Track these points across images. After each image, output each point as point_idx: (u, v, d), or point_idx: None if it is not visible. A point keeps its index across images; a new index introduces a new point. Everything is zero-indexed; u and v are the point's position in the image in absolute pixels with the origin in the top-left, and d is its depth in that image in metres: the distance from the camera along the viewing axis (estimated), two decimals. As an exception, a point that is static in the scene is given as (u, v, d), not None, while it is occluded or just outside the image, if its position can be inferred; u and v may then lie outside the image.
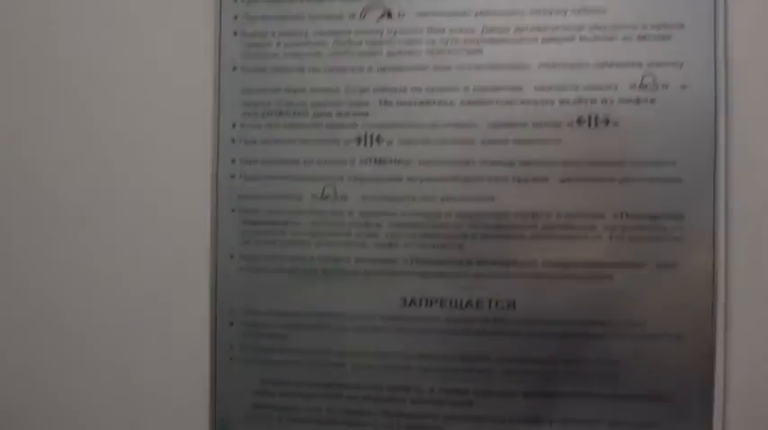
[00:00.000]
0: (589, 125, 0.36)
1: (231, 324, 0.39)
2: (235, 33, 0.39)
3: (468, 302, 0.38)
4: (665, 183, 0.36)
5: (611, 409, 0.37)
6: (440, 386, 0.38)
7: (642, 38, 0.36)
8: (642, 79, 0.36)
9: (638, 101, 0.36)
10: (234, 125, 0.39)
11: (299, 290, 0.39)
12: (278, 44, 0.38)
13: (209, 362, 0.39)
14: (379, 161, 0.38)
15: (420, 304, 0.38)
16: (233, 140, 0.39)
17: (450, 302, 0.38)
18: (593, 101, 0.36)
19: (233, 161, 0.39)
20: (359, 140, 0.38)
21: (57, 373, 0.41)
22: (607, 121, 0.36)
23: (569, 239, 0.37)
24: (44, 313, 0.41)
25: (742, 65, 0.36)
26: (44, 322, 0.41)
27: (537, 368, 0.37)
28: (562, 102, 0.36)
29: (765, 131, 0.36)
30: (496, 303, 0.37)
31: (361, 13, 0.38)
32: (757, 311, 0.36)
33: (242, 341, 0.39)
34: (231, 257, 0.39)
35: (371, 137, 0.38)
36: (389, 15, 0.37)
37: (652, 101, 0.36)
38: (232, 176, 0.39)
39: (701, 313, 0.36)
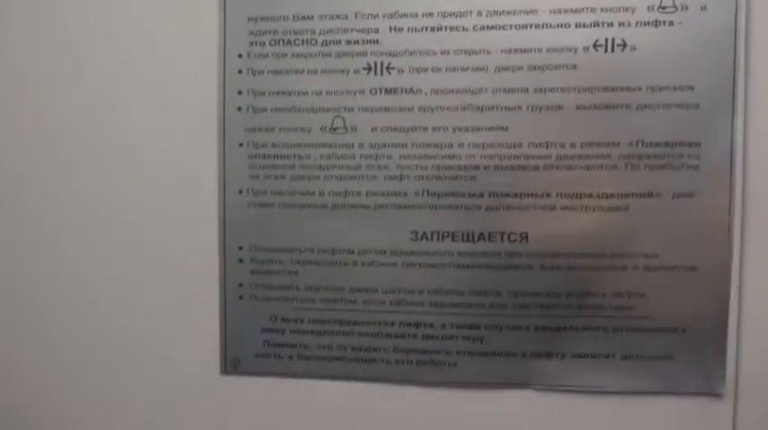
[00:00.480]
0: (605, 49, 0.35)
1: (240, 261, 0.39)
2: (240, -41, 0.38)
3: (481, 235, 0.37)
4: (682, 108, 0.35)
5: (624, 342, 0.36)
6: (451, 321, 0.38)
7: (661, -43, 0.35)
8: (661, 0, 0.35)
9: (656, 23, 0.35)
10: (240, 55, 0.38)
11: (309, 225, 0.38)
12: (284, -31, 0.38)
13: (219, 300, 0.39)
14: (390, 90, 0.37)
15: (431, 238, 0.37)
16: (239, 71, 0.38)
17: (462, 235, 0.37)
18: (610, 24, 0.35)
19: (239, 93, 0.38)
20: (369, 69, 0.37)
21: (65, 319, 0.41)
22: (624, 45, 0.35)
23: (584, 169, 0.36)
24: (49, 263, 0.41)
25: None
26: (49, 272, 0.41)
27: (549, 301, 0.37)
28: (578, 25, 0.35)
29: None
30: (509, 236, 0.37)
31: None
32: None
33: (251, 278, 0.39)
34: (240, 193, 0.39)
35: (382, 65, 0.37)
36: (400, -64, 0.36)
37: (671, 23, 0.35)
38: (239, 109, 0.38)
39: (717, 244, 0.35)
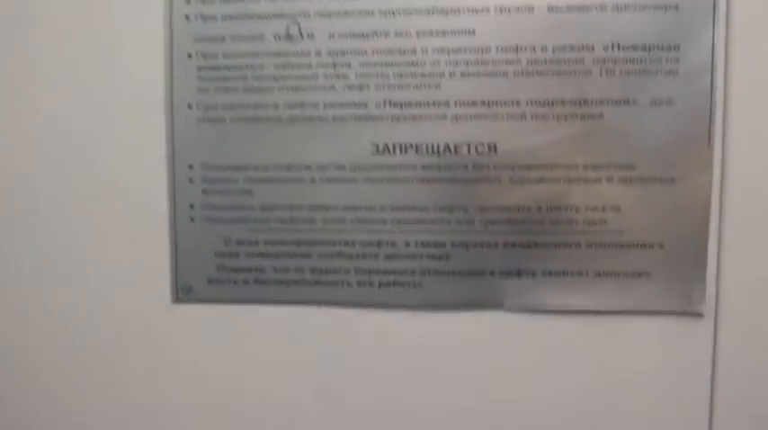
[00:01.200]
0: (578, -56, 0.33)
1: (191, 181, 0.36)
2: None
3: (446, 147, 0.35)
4: (660, 10, 0.33)
5: (598, 259, 0.34)
6: (415, 239, 0.35)
7: None
8: None
9: None
10: (187, -43, 0.36)
11: (264, 140, 0.35)
12: None
13: (169, 223, 0.36)
14: (348, -8, 0.35)
15: (394, 151, 0.35)
16: (186, -25, 0.36)
17: (427, 148, 0.35)
18: None
19: (187, 0, 0.36)
20: (325, -31, 0.35)
21: (7, 247, 0.38)
22: (598, -61, 0.33)
23: (556, 75, 0.33)
24: None
25: None
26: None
27: (519, 216, 0.34)
28: None
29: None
30: (476, 147, 0.34)
31: None
32: (757, 150, 0.34)
33: (203, 199, 0.36)
34: (189, 107, 0.36)
35: (339, -36, 0.35)
36: None
37: None
38: (187, 17, 0.35)
39: (697, 153, 0.33)
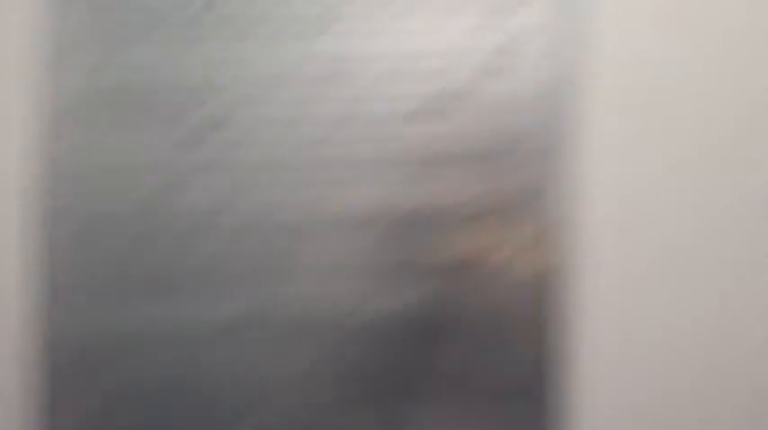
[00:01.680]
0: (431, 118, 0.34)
1: (56, 351, 0.35)
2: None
3: (311, 310, 0.35)
4: (524, 155, 0.34)
5: (465, 410, 0.34)
6: (287, 407, 0.34)
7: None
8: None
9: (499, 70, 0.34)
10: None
11: (127, 309, 0.35)
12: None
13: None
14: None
15: (252, 318, 0.35)
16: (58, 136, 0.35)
17: (295, 311, 0.35)
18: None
19: (56, 157, 0.36)
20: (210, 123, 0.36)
21: None
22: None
23: (413, 233, 0.34)
24: None
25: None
26: None
27: (390, 376, 0.34)
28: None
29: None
30: (340, 308, 0.34)
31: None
32: (604, 314, 0.34)
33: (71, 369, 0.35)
34: (58, 275, 0.36)
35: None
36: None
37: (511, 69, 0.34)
38: (57, 170, 0.36)
39: (560, 293, 0.34)
